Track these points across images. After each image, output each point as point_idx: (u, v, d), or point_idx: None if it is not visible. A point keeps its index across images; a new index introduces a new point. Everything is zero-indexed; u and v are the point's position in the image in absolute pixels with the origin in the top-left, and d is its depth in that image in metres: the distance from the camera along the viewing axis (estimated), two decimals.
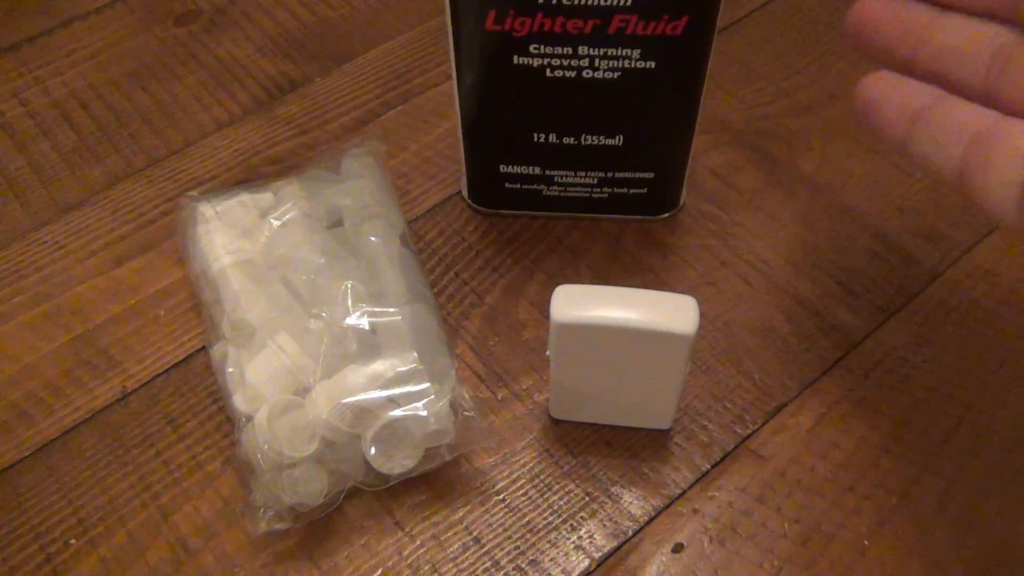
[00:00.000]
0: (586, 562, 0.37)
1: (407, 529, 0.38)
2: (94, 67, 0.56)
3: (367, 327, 0.39)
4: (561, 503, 0.39)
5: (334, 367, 0.38)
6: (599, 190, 0.46)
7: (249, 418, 0.37)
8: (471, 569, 0.37)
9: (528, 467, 0.40)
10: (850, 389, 0.42)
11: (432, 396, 0.37)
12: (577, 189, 0.46)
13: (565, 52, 0.40)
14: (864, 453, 0.40)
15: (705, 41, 0.40)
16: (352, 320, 0.39)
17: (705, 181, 0.49)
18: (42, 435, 0.41)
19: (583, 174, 0.45)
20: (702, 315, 0.35)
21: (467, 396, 0.38)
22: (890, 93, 0.30)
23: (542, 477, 0.39)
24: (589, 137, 0.43)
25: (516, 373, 0.42)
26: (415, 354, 0.38)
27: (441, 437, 0.37)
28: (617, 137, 0.43)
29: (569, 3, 0.38)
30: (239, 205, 0.44)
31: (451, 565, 0.37)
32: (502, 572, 0.37)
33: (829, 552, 0.37)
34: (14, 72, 0.56)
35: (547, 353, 0.37)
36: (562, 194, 0.46)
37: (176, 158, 0.52)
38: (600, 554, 0.37)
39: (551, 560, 0.37)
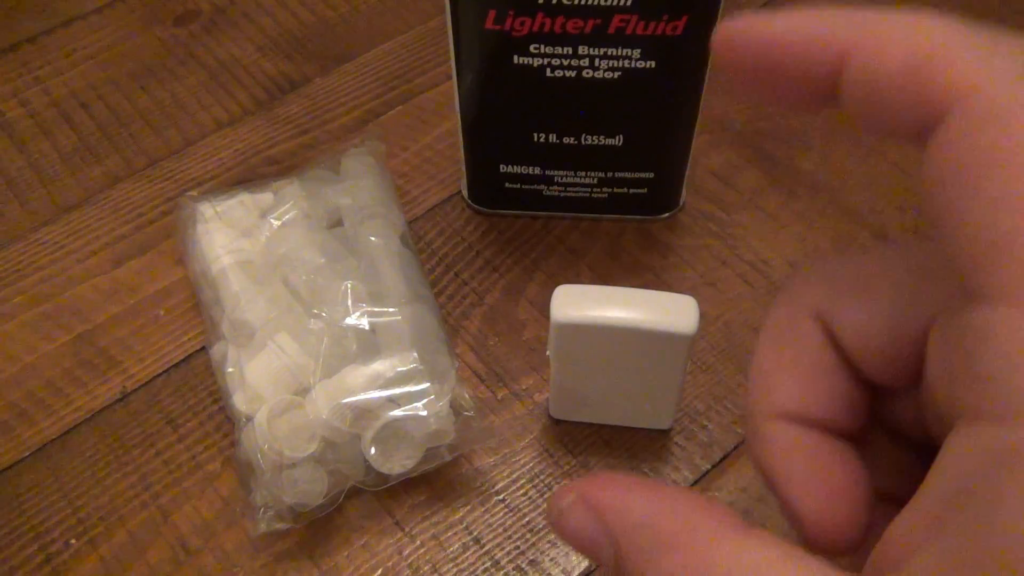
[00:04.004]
0: (586, 562, 0.37)
1: (407, 529, 0.38)
2: (94, 67, 0.56)
3: (367, 327, 0.39)
4: None
5: (334, 367, 0.38)
6: (599, 190, 0.46)
7: (249, 418, 0.37)
8: (471, 569, 0.37)
9: (528, 467, 0.40)
10: None
11: (432, 396, 0.37)
12: (577, 189, 0.46)
13: (565, 52, 0.40)
14: None
15: (705, 41, 0.39)
16: (352, 320, 0.39)
17: (705, 181, 0.49)
18: (42, 435, 0.41)
19: (583, 174, 0.45)
20: (702, 315, 0.35)
21: (467, 396, 0.38)
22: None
23: (542, 477, 0.39)
24: (589, 137, 0.43)
25: (516, 373, 0.42)
26: (415, 354, 0.38)
27: (441, 437, 0.37)
28: (617, 137, 0.43)
29: (569, 3, 0.38)
30: (239, 205, 0.44)
31: (451, 565, 0.37)
32: (502, 572, 0.37)
33: None
34: (14, 72, 0.56)
35: (547, 353, 0.37)
36: (562, 194, 0.46)
37: (176, 158, 0.51)
38: None
39: (551, 560, 0.37)
